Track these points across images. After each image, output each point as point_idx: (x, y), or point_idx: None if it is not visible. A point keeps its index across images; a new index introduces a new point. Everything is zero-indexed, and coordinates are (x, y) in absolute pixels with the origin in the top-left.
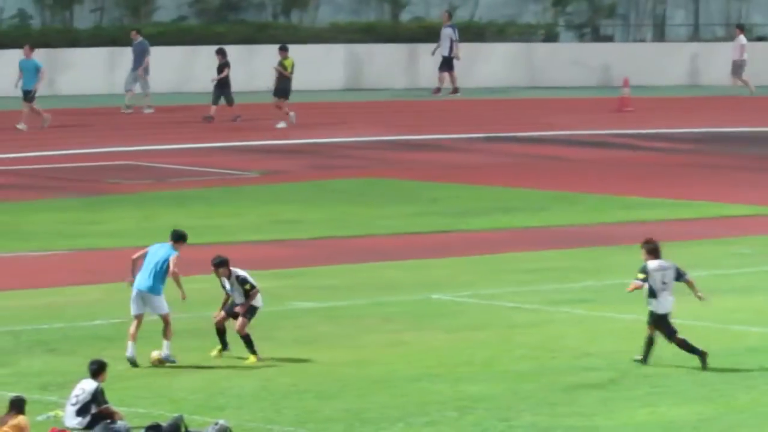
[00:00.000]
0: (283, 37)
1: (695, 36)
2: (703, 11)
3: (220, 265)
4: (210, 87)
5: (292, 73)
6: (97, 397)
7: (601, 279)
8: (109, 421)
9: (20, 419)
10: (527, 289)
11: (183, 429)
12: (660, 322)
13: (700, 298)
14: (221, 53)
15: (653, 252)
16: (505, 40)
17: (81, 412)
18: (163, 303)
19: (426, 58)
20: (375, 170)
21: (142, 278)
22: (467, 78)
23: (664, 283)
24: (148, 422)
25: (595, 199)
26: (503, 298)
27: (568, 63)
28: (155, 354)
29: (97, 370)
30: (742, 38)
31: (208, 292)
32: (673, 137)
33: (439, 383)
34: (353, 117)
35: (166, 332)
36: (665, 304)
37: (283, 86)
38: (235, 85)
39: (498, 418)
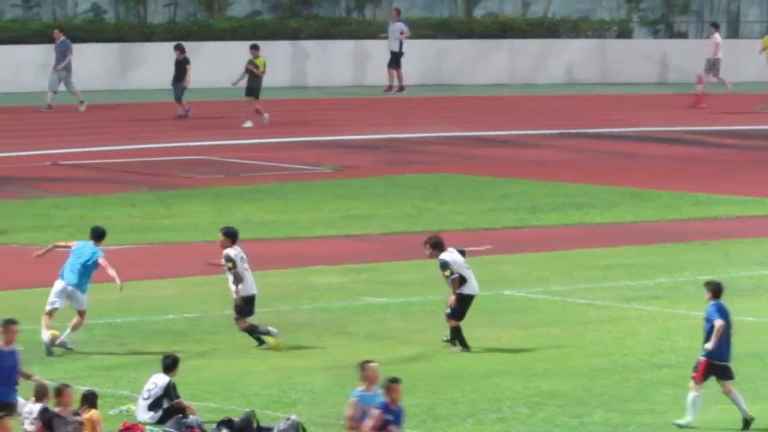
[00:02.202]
0: (357, 32)
1: None
2: None
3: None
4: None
5: (264, 72)
6: (170, 391)
7: (673, 276)
8: (181, 415)
9: (93, 413)
10: (600, 285)
11: (255, 424)
12: None
13: None
14: (179, 49)
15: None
16: (579, 36)
17: (153, 406)
18: (84, 300)
19: (497, 53)
20: (448, 166)
21: (71, 275)
22: (541, 74)
23: None
24: (220, 417)
25: (668, 195)
26: (576, 295)
27: (642, 59)
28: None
29: (170, 364)
30: (717, 36)
31: (282, 287)
32: (747, 134)
33: (510, 379)
34: (426, 112)
35: (75, 324)
36: None
37: (254, 85)
38: (310, 81)
39: (570, 415)
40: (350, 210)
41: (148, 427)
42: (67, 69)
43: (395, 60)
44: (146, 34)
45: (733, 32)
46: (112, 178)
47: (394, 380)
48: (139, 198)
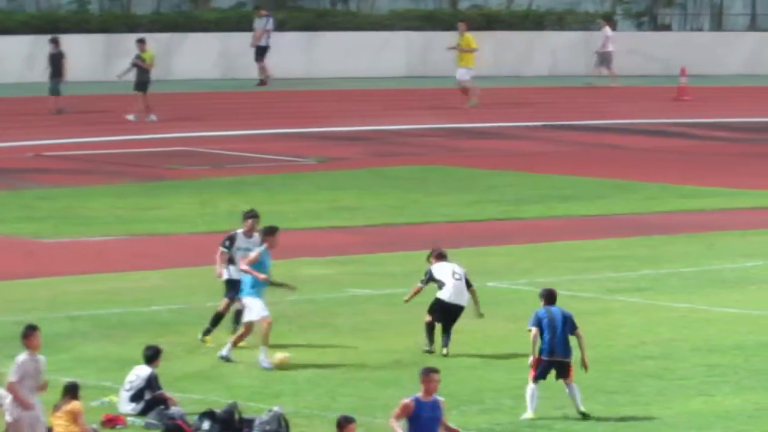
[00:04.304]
0: (342, 24)
1: (753, 25)
2: (760, 1)
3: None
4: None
5: (151, 65)
6: (152, 383)
7: (657, 268)
8: (163, 407)
9: (74, 404)
10: (584, 277)
11: (237, 416)
12: None
13: None
14: (54, 42)
15: None
16: (564, 28)
17: (135, 397)
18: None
19: (483, 46)
20: (433, 158)
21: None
22: (526, 66)
23: None
24: (203, 409)
25: (653, 187)
26: (560, 287)
27: (626, 52)
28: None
29: (152, 356)
30: (607, 30)
31: None
32: (731, 126)
33: (495, 371)
34: (412, 104)
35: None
36: None
37: (142, 79)
38: (296, 72)
39: (553, 407)
40: (336, 202)
41: (129, 418)
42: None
43: (260, 53)
44: (131, 25)
45: (717, 25)
46: (96, 169)
47: (432, 370)
48: (124, 189)
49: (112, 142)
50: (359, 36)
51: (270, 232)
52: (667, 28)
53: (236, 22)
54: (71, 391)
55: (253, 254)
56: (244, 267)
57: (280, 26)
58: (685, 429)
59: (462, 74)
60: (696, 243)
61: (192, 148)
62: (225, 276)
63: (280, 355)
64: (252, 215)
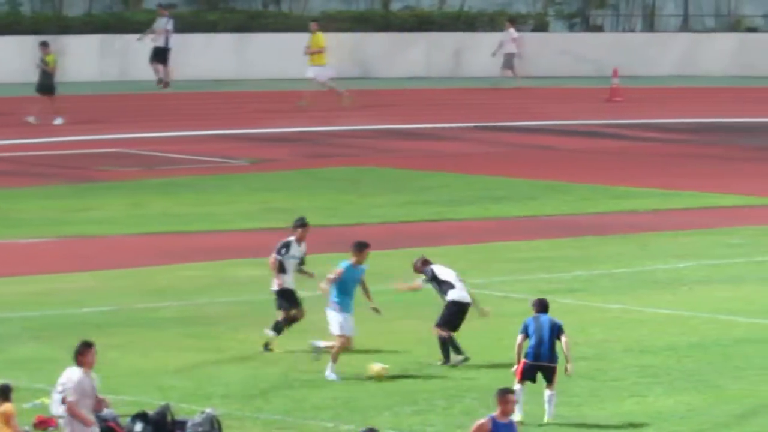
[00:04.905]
0: (274, 25)
1: (685, 27)
2: (692, 2)
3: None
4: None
5: (55, 68)
6: None
7: (590, 269)
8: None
9: (6, 407)
10: (516, 278)
11: (170, 417)
12: None
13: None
14: None
15: None
16: (496, 29)
17: None
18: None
19: (414, 47)
20: (366, 159)
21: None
22: (458, 67)
23: None
24: (135, 410)
25: (585, 188)
26: (493, 288)
27: (558, 53)
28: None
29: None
30: (512, 31)
31: (200, 280)
32: (664, 127)
33: (428, 372)
34: (345, 106)
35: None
36: None
37: (46, 82)
38: (227, 74)
39: (487, 407)
40: (268, 203)
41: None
42: None
43: (160, 55)
44: (63, 26)
45: (649, 26)
46: (25, 171)
47: (509, 391)
48: (55, 191)
49: (43, 144)
50: (291, 37)
51: (359, 248)
52: (599, 29)
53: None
54: (3, 394)
55: (333, 274)
56: (324, 286)
57: (213, 27)
58: (617, 430)
59: (319, 73)
60: (628, 244)
61: (122, 149)
62: (276, 287)
63: (377, 367)
64: (302, 223)
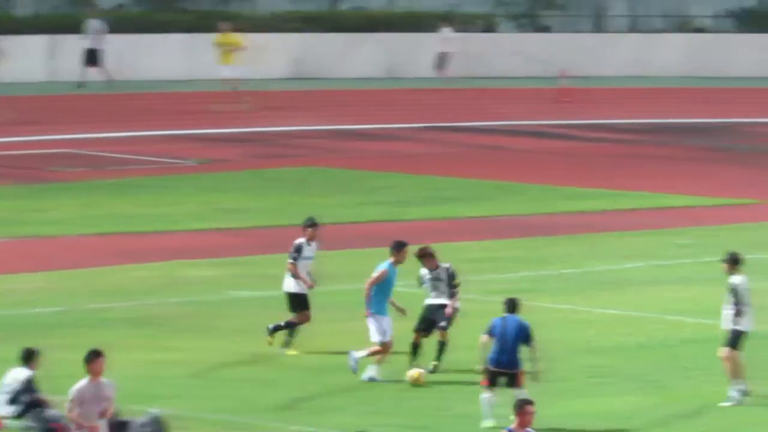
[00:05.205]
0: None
1: (634, 27)
2: (641, 2)
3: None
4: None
5: None
6: (29, 385)
7: (538, 269)
8: (41, 409)
9: None
10: (466, 278)
11: (115, 418)
12: None
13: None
14: None
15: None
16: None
17: (13, 400)
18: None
19: (365, 47)
20: (316, 159)
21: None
22: (407, 67)
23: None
24: None
25: (535, 189)
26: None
27: (508, 53)
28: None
29: (26, 357)
30: (446, 31)
31: (150, 281)
32: (613, 127)
33: (344, 372)
34: (294, 106)
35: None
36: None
37: None
38: (178, 74)
39: (434, 408)
40: (218, 203)
41: (7, 421)
42: None
43: (92, 57)
44: (12, 27)
45: (597, 26)
46: None
47: (528, 402)
48: (6, 191)
49: None
50: (241, 38)
51: (398, 248)
52: (547, 29)
53: (116, 23)
54: None
55: (377, 273)
56: (366, 287)
57: (164, 28)
58: (566, 430)
59: (229, 73)
60: (577, 244)
61: (73, 150)
62: (290, 288)
63: (415, 372)
64: (312, 224)
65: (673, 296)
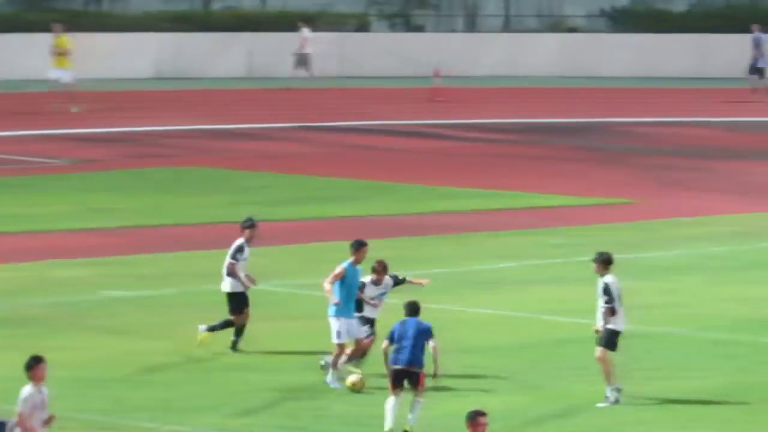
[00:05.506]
0: (95, 25)
1: (507, 27)
2: (513, 2)
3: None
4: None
5: None
6: None
7: (412, 269)
8: None
9: None
10: None
11: None
12: None
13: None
14: None
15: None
16: (317, 29)
17: None
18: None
19: (236, 47)
20: (189, 159)
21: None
22: (280, 67)
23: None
24: None
25: (407, 188)
26: (314, 288)
27: (381, 53)
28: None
29: None
30: (305, 31)
31: (20, 281)
32: (486, 127)
33: (252, 372)
34: (166, 106)
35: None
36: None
37: None
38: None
39: (309, 408)
40: (90, 203)
41: None
42: None
43: None
44: None
45: (470, 26)
46: None
47: (480, 413)
48: None
49: None
50: (111, 37)
51: (356, 246)
52: (420, 29)
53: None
54: None
55: (336, 270)
56: (327, 287)
57: (35, 27)
58: (440, 430)
59: (61, 75)
60: (450, 244)
61: None
62: (228, 288)
63: (354, 378)
64: (251, 224)
65: (547, 296)
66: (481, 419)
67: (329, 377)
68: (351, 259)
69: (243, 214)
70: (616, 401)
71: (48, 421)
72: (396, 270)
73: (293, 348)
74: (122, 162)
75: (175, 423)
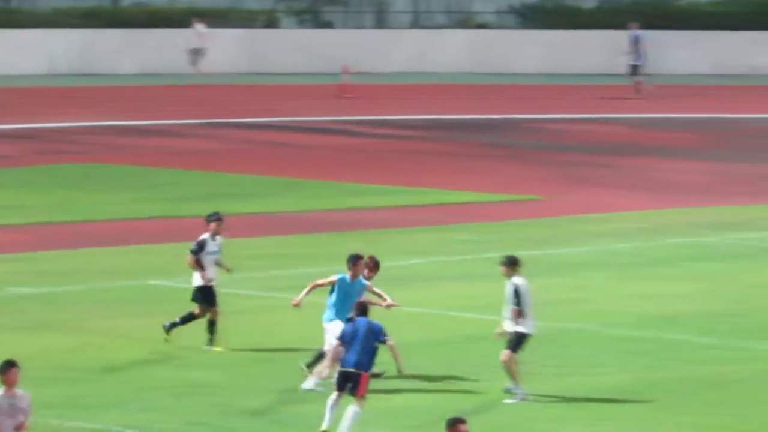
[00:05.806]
0: (3, 21)
1: (417, 23)
2: None
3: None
4: None
5: None
6: None
7: (319, 266)
8: None
9: None
10: (245, 275)
11: None
12: None
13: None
14: None
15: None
16: (227, 26)
17: None
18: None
19: (145, 43)
20: (97, 156)
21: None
22: (187, 65)
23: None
24: None
25: (316, 185)
26: (220, 284)
27: (290, 49)
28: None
29: None
30: (199, 27)
31: None
32: (395, 124)
33: (156, 369)
34: (73, 102)
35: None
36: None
37: None
38: None
39: (213, 404)
40: None
41: None
42: None
43: None
44: None
45: (380, 22)
46: None
47: (460, 420)
48: None
49: None
50: (20, 33)
51: (353, 261)
52: (330, 25)
53: None
54: None
55: (327, 278)
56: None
57: None
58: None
59: None
60: (358, 240)
61: None
62: (199, 282)
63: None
64: (217, 218)
65: (456, 293)
66: (461, 426)
67: (311, 383)
68: (348, 273)
69: (149, 210)
70: (524, 398)
71: (18, 427)
72: (305, 267)
73: (198, 343)
74: (30, 159)
75: (81, 419)
